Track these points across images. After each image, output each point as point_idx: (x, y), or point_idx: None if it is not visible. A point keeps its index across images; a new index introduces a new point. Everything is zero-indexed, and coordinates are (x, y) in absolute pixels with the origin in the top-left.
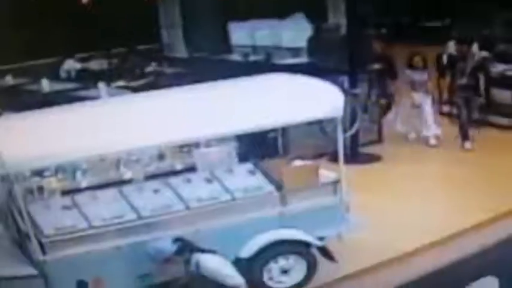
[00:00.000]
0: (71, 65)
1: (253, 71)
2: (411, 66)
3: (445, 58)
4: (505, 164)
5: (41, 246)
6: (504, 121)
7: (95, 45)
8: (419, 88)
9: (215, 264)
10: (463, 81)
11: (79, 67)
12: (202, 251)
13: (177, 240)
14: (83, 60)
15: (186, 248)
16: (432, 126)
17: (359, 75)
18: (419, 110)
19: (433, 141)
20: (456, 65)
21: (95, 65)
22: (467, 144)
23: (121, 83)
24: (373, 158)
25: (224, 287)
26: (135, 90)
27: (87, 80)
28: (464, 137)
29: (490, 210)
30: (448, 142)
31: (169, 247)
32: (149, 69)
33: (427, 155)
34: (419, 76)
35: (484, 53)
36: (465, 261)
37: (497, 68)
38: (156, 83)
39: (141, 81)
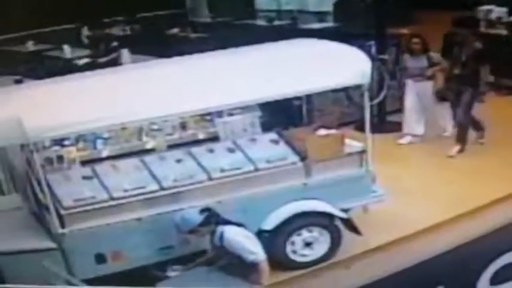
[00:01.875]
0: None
1: (277, 36)
2: (410, 50)
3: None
4: None
5: (60, 218)
6: None
7: (118, 11)
8: (416, 77)
9: (238, 238)
10: (457, 70)
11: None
12: (229, 223)
13: (204, 210)
14: (105, 25)
15: (212, 218)
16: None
17: (387, 41)
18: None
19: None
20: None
21: (117, 30)
22: (454, 150)
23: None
24: (401, 126)
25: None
26: (158, 56)
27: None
28: (459, 139)
29: None
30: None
31: (196, 217)
32: (172, 34)
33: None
34: (415, 63)
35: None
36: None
37: None
38: (179, 49)
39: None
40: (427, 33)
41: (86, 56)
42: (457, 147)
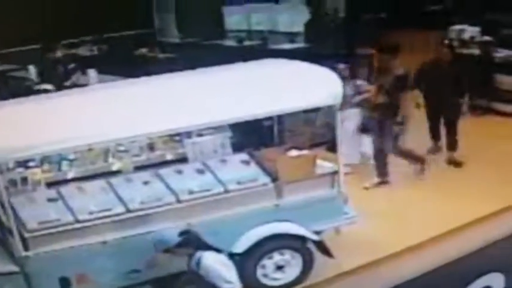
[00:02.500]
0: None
1: (248, 57)
2: None
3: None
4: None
5: (24, 241)
6: (509, 108)
7: (85, 31)
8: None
9: (216, 265)
10: (380, 99)
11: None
12: (210, 248)
13: (183, 232)
14: (71, 46)
15: (191, 241)
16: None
17: (358, 61)
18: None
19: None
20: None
21: (84, 51)
22: (372, 182)
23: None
24: None
25: None
26: (126, 76)
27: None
28: (379, 172)
29: (497, 202)
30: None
31: (174, 238)
32: (140, 54)
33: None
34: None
35: (487, 38)
36: (470, 256)
37: (501, 54)
38: (147, 69)
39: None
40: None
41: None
42: (376, 180)
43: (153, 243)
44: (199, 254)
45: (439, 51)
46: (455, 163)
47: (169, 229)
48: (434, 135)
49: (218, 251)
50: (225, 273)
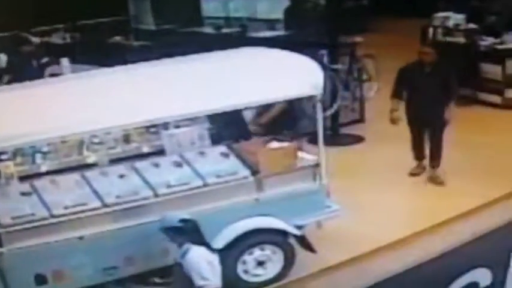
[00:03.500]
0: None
1: (226, 45)
2: None
3: (430, 31)
4: (495, 144)
5: None
6: (495, 99)
7: (57, 18)
8: None
9: (198, 260)
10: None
11: (39, 41)
12: (203, 243)
13: (184, 220)
14: (44, 34)
15: (188, 231)
16: None
17: (340, 49)
18: None
19: None
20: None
21: (56, 39)
22: None
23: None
24: (355, 139)
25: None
26: (100, 65)
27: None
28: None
29: (481, 196)
30: None
31: (172, 221)
32: (115, 43)
33: None
34: None
35: (472, 26)
36: (455, 251)
37: (486, 42)
38: (122, 57)
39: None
40: (379, 42)
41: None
42: None
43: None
44: (188, 246)
45: (422, 51)
46: (437, 182)
47: (174, 213)
48: (419, 152)
49: (211, 249)
50: (204, 270)
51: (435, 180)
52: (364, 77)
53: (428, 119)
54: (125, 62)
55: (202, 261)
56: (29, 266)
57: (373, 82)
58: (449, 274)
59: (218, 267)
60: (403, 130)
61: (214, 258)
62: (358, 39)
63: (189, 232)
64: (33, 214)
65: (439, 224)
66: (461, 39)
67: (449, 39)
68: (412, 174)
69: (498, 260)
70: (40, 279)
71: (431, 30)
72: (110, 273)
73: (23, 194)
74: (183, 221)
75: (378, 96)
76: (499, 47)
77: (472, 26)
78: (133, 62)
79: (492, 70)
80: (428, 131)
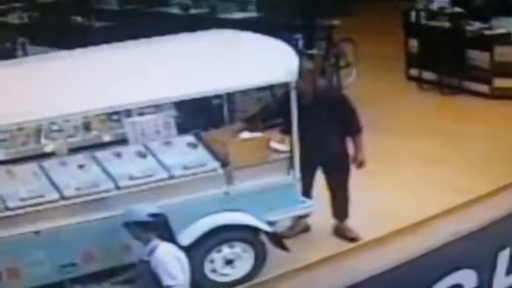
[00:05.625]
0: None
1: (194, 27)
2: None
3: (413, 15)
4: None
5: None
6: (482, 88)
7: None
8: None
9: (167, 258)
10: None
11: None
12: (171, 240)
13: (154, 215)
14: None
15: (158, 227)
16: None
17: (316, 33)
18: None
19: None
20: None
21: (13, 19)
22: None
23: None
24: None
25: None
26: (59, 47)
27: (5, 35)
28: None
29: (466, 191)
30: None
31: (140, 215)
32: (75, 23)
33: (398, 124)
34: None
35: (458, 9)
36: (438, 251)
37: (473, 27)
38: (82, 39)
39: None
40: (359, 26)
41: None
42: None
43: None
44: (156, 242)
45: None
46: (348, 237)
47: (141, 206)
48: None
49: (179, 245)
50: (172, 267)
51: (346, 235)
52: (342, 63)
53: (319, 156)
54: (86, 44)
55: (172, 259)
56: None
57: (351, 68)
58: (431, 275)
59: (187, 265)
60: (383, 120)
61: (183, 256)
62: (335, 22)
63: (158, 227)
64: None
65: (420, 222)
66: (446, 24)
67: (433, 23)
68: (291, 231)
69: (484, 261)
70: None
71: (413, 13)
72: (69, 271)
73: None
74: (152, 215)
75: (357, 83)
76: (487, 32)
77: (457, 9)
78: (95, 44)
79: (479, 57)
80: (325, 173)
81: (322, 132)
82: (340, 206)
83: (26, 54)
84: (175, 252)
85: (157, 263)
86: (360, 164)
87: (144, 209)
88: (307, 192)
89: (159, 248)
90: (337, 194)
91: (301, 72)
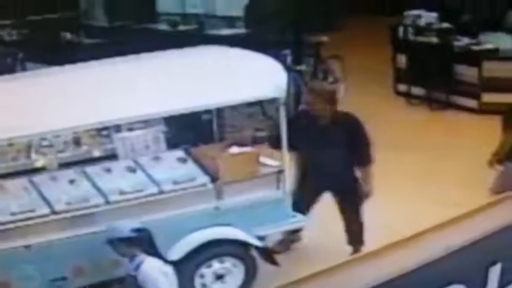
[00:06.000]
0: None
1: (183, 43)
2: None
3: (401, 31)
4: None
5: None
6: (470, 103)
7: (3, 13)
8: None
9: (155, 274)
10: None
11: None
12: (156, 254)
13: (138, 230)
14: None
15: (142, 242)
16: None
17: (304, 50)
18: None
19: None
20: None
21: (3, 35)
22: None
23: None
24: None
25: None
26: (49, 63)
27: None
28: None
29: (457, 205)
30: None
31: (124, 232)
32: (65, 40)
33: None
34: None
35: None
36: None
37: (461, 42)
38: (72, 56)
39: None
40: (347, 41)
41: None
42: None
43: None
44: (142, 257)
45: (312, 99)
46: None
47: (123, 222)
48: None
49: (164, 259)
50: (161, 283)
51: None
52: (330, 79)
53: (328, 181)
54: (75, 61)
55: (158, 273)
56: None
57: (339, 84)
58: None
59: (174, 279)
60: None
61: (169, 270)
62: (323, 38)
63: (142, 243)
64: None
65: (412, 236)
66: (434, 39)
67: (421, 39)
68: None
69: (475, 277)
70: None
71: (401, 29)
72: (59, 285)
73: None
74: (135, 230)
75: (345, 99)
76: (475, 47)
77: (445, 25)
78: (84, 60)
79: (468, 72)
80: (336, 200)
81: (335, 157)
82: (354, 233)
83: (25, 69)
84: (161, 267)
85: (144, 278)
86: (366, 196)
87: (127, 225)
88: (307, 208)
89: (144, 263)
90: (350, 222)
91: (321, 92)
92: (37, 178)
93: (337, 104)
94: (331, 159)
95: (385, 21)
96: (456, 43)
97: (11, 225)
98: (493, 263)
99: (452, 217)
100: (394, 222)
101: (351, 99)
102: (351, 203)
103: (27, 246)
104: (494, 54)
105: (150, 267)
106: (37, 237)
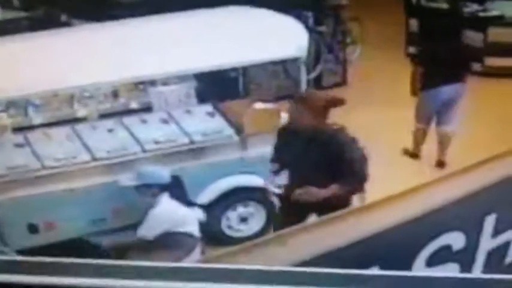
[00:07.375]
0: None
1: (211, 3)
2: None
3: None
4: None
5: None
6: (475, 66)
7: None
8: None
9: (158, 214)
10: None
11: None
12: (185, 199)
13: (174, 177)
14: None
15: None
16: None
17: (325, 11)
18: None
19: None
20: None
21: None
22: None
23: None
24: (338, 102)
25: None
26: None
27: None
28: None
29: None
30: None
31: (165, 177)
32: None
33: (397, 98)
34: None
35: None
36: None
37: (469, 8)
38: (111, 14)
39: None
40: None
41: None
42: None
43: (137, 175)
44: (162, 195)
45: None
46: None
47: (157, 168)
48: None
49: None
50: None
51: None
52: (348, 40)
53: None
54: (113, 18)
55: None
56: (22, 216)
57: (356, 45)
58: (422, 237)
59: (195, 220)
60: (385, 93)
61: (189, 211)
62: (344, 1)
63: (169, 189)
64: (26, 165)
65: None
66: (444, 5)
67: (431, 5)
68: None
69: (472, 224)
70: (33, 228)
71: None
72: (98, 225)
73: (17, 145)
74: (173, 177)
75: (362, 60)
76: (482, 14)
77: None
78: (122, 18)
79: (473, 37)
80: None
81: (315, 178)
82: None
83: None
84: (177, 211)
85: (151, 215)
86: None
87: (162, 172)
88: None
89: (163, 198)
90: None
91: (312, 102)
92: (79, 127)
93: (327, 116)
94: (311, 179)
95: None
96: (465, 9)
97: (56, 170)
98: (489, 213)
99: (452, 171)
100: (396, 175)
101: (366, 61)
102: None
103: (70, 190)
104: (499, 21)
105: (162, 209)
106: (79, 182)
